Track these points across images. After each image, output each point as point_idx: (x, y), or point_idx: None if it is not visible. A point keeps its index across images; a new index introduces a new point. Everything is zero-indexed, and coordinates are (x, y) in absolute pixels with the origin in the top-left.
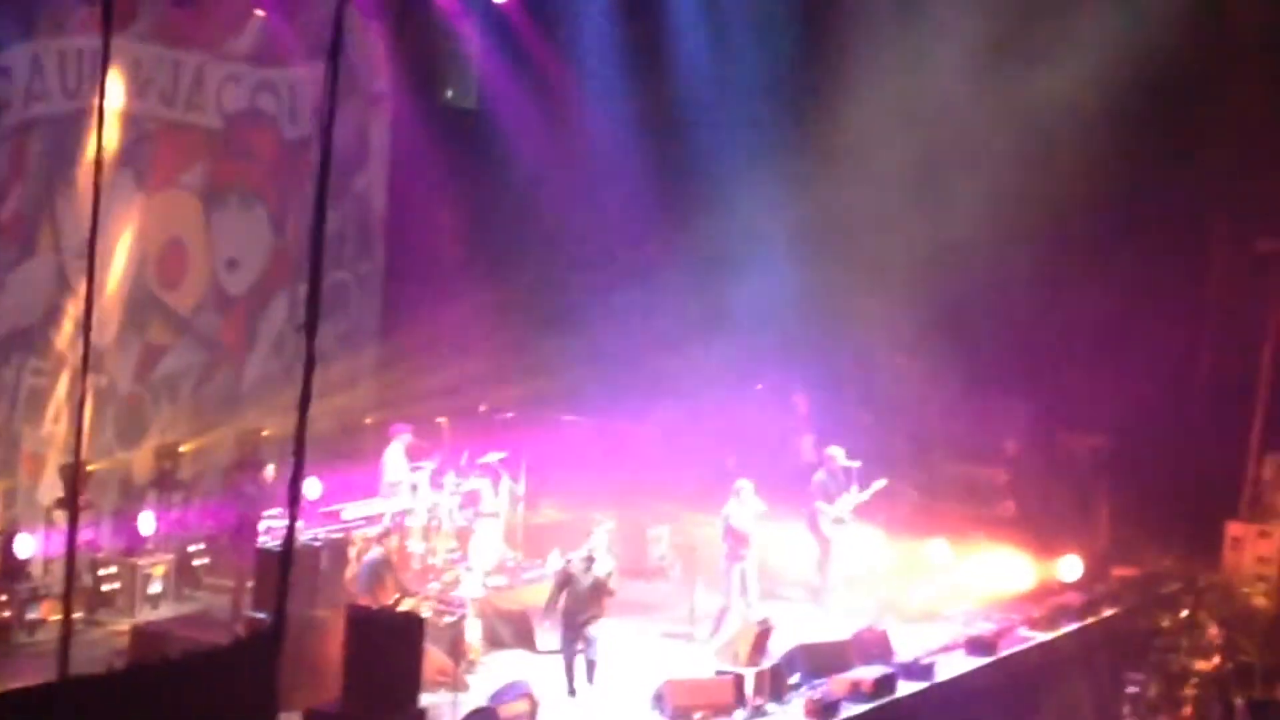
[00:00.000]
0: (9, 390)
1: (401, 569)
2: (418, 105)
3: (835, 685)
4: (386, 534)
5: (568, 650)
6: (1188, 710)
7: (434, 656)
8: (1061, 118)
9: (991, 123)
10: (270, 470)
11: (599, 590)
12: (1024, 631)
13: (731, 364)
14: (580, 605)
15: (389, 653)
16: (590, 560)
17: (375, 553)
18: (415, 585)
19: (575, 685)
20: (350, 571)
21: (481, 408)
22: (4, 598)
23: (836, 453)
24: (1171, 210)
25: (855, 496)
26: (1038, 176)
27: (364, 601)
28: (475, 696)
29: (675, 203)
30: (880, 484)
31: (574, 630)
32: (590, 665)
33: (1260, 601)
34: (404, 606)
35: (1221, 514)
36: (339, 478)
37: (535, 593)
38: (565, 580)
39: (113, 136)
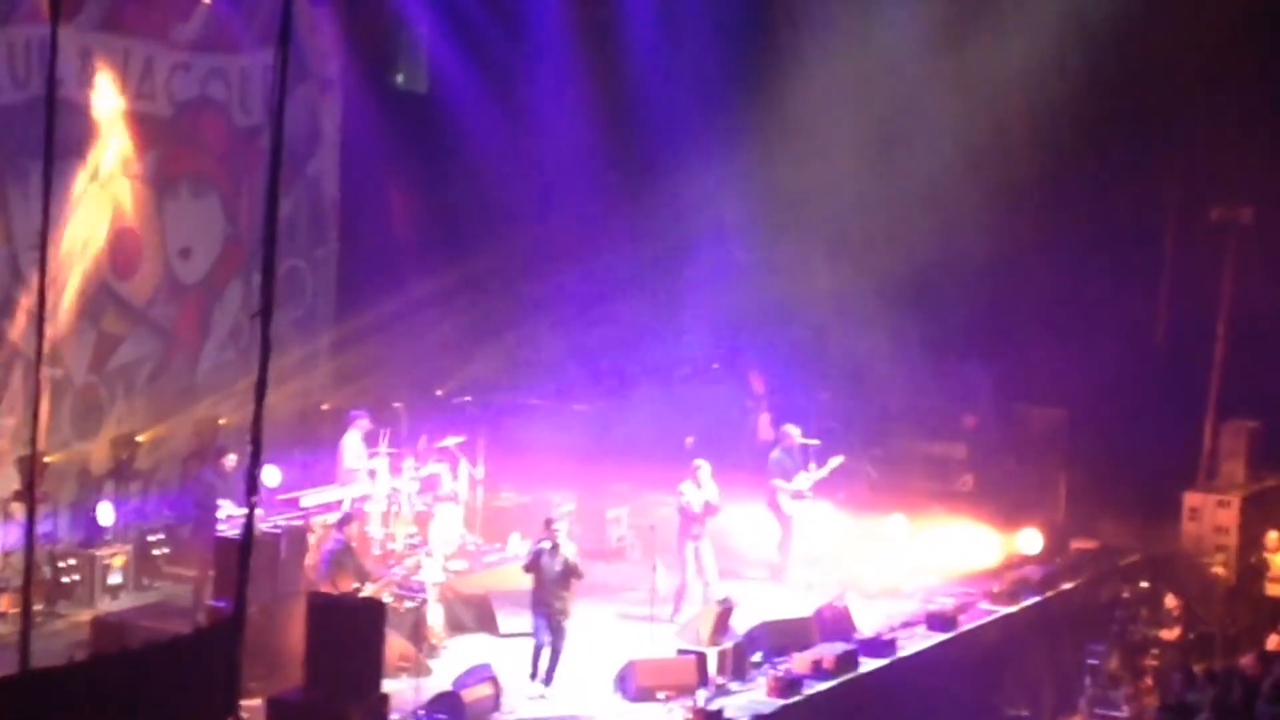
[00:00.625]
0: None
1: (361, 555)
2: (369, 90)
3: (798, 663)
4: (346, 520)
5: (538, 636)
6: (1149, 680)
7: (396, 642)
8: (1016, 90)
9: (946, 96)
10: (231, 459)
11: (568, 573)
12: (985, 605)
13: (688, 343)
14: (552, 590)
15: (350, 639)
16: (555, 545)
17: (335, 539)
18: (376, 571)
19: (539, 669)
20: (310, 558)
21: (438, 391)
22: None
23: (794, 430)
24: (1126, 181)
25: (813, 474)
26: (993, 149)
27: (325, 588)
28: (438, 681)
29: (629, 183)
30: (837, 461)
31: (546, 618)
32: (555, 656)
33: (1219, 571)
34: (365, 592)
35: (1179, 484)
36: (297, 464)
37: (496, 576)
38: (535, 565)
39: (63, 127)
